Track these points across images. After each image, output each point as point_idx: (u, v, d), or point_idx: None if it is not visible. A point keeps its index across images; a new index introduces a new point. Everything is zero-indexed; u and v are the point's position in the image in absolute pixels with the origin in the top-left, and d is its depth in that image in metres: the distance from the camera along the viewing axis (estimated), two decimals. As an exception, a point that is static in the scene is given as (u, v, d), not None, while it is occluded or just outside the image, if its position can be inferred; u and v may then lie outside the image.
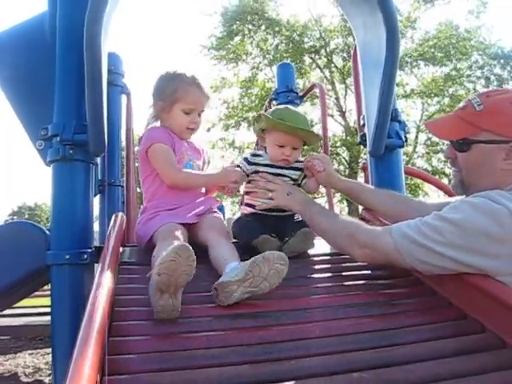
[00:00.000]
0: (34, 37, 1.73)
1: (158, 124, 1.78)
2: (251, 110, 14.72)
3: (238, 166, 1.77)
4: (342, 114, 14.67)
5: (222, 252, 1.43)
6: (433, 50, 12.75)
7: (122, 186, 2.83)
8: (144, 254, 1.51)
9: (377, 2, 1.53)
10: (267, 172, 1.71)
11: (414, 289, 1.43)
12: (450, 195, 4.43)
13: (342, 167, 14.52)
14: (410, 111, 14.76)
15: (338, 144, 14.35)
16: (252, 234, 1.60)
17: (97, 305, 0.99)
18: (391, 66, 1.58)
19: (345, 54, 13.84)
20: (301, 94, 3.31)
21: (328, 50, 14.48)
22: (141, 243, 1.62)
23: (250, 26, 14.63)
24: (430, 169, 13.88)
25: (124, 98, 3.00)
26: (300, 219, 1.70)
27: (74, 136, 1.46)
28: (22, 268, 1.48)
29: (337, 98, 14.67)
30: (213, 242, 1.50)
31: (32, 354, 6.06)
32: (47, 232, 1.55)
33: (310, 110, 14.09)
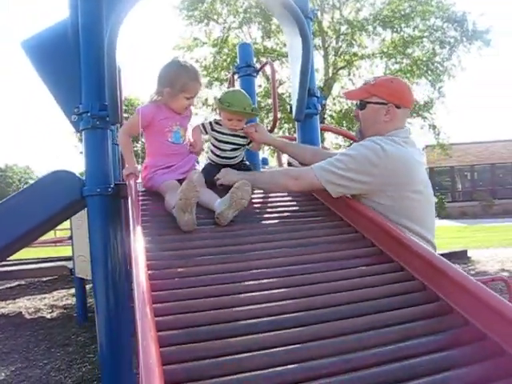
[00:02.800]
0: (61, 39, 2.44)
1: (158, 98, 2.27)
2: (223, 69, 15.21)
3: (203, 124, 2.40)
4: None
5: (207, 197, 2.04)
6: (393, 13, 13.42)
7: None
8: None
9: (293, 17, 2.33)
10: (221, 140, 2.38)
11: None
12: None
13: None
14: (375, 70, 15.55)
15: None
16: (212, 176, 2.27)
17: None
18: (305, 62, 2.40)
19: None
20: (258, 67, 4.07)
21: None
22: (147, 190, 2.29)
23: (221, -13, 14.90)
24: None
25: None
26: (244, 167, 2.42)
27: (98, 112, 2.24)
28: (67, 198, 2.30)
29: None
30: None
31: (29, 299, 6.85)
32: (80, 176, 2.36)
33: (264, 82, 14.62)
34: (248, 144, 2.47)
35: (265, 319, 1.26)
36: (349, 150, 2.01)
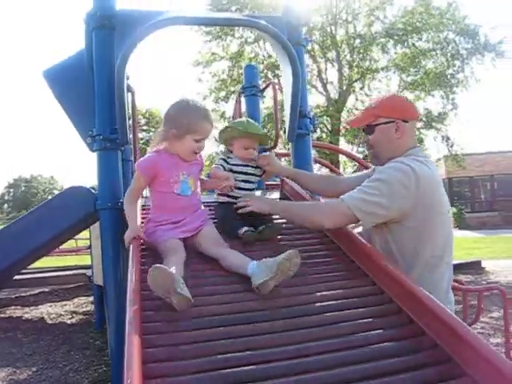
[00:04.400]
0: (78, 69, 2.76)
1: (162, 145, 2.07)
2: (239, 83, 15.60)
3: (221, 165, 2.29)
4: (324, 85, 15.59)
5: (236, 259, 1.83)
6: (405, 26, 13.64)
7: (131, 161, 3.93)
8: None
9: (281, 46, 2.60)
10: (241, 171, 2.30)
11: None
12: (356, 160, 5.92)
13: (324, 135, 15.55)
14: (389, 82, 15.73)
15: (321, 114, 15.33)
16: (235, 226, 2.13)
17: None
18: (295, 88, 2.66)
19: (322, 32, 14.64)
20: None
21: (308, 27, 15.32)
22: (148, 245, 2.06)
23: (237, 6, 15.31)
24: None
25: (129, 95, 4.03)
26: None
27: (109, 135, 2.53)
28: (83, 210, 2.59)
29: (319, 71, 15.56)
30: (221, 255, 1.89)
31: (51, 305, 7.18)
32: (93, 191, 2.65)
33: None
34: (261, 175, 2.44)
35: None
36: (378, 174, 1.92)
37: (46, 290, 8.00)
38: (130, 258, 1.70)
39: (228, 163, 2.30)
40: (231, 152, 2.35)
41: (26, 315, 6.58)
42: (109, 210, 2.53)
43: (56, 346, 5.06)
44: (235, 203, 2.19)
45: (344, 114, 15.52)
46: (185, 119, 1.97)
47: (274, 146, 3.65)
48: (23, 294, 7.52)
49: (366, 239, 2.03)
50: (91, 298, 6.96)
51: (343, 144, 16.29)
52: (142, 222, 2.14)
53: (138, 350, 1.17)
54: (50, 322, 6.27)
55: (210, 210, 2.29)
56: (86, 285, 7.75)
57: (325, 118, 15.25)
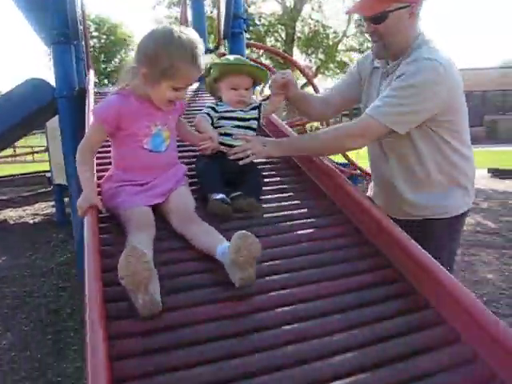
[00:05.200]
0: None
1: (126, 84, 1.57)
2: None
3: (208, 113, 1.81)
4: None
5: (204, 239, 1.41)
6: None
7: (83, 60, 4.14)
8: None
9: None
10: (230, 116, 1.81)
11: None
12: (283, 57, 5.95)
13: (278, 44, 15.57)
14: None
15: (276, 22, 15.24)
16: (210, 187, 1.67)
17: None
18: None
19: None
20: None
21: None
22: (107, 211, 1.55)
23: None
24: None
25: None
26: (255, 168, 1.82)
27: (63, 30, 2.77)
28: (42, 100, 2.88)
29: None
30: (189, 233, 1.46)
31: (12, 210, 7.39)
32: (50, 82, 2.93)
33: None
34: (259, 118, 1.93)
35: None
36: (406, 78, 1.67)
37: (4, 197, 8.23)
38: (85, 238, 1.30)
39: (216, 111, 1.83)
40: (221, 100, 1.88)
41: (-12, 219, 6.88)
42: (66, 98, 2.79)
43: (21, 242, 5.45)
44: (225, 154, 1.77)
45: (299, 24, 15.47)
46: (163, 59, 1.43)
47: (217, 47, 3.94)
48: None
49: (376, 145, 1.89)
50: (51, 203, 7.30)
51: (297, 53, 16.39)
52: (99, 183, 1.65)
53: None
54: (12, 222, 6.61)
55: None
56: (45, 192, 8.02)
57: (279, 26, 15.18)
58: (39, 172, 8.46)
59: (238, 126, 1.83)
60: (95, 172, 1.64)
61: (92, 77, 3.00)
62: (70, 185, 3.07)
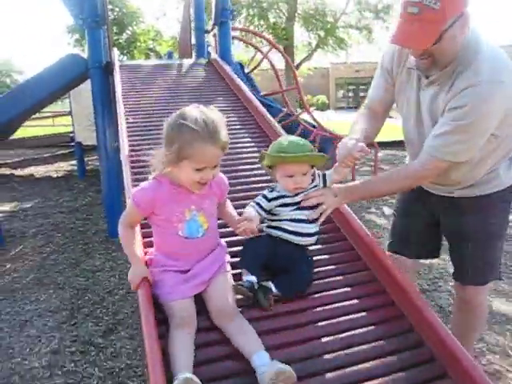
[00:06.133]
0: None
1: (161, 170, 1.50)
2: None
3: (257, 203, 1.69)
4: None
5: (242, 341, 1.40)
6: None
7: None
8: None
9: None
10: (289, 202, 1.69)
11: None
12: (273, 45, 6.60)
13: (280, 20, 16.27)
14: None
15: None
16: (245, 263, 1.63)
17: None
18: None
19: None
20: None
21: None
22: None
23: None
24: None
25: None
26: (306, 259, 1.69)
27: (95, 18, 3.75)
28: (76, 71, 3.90)
29: None
30: (226, 330, 1.45)
31: (36, 167, 8.40)
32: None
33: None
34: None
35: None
36: (467, 115, 1.49)
37: (27, 157, 9.22)
38: (142, 318, 1.36)
39: (268, 198, 1.71)
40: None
41: (16, 173, 7.93)
42: (97, 69, 3.80)
43: (48, 190, 6.51)
44: (280, 239, 1.68)
45: (300, 1, 16.12)
46: (176, 140, 1.41)
47: (212, 29, 4.89)
48: (8, 161, 8.74)
49: None
50: (71, 163, 8.33)
51: (298, 29, 17.05)
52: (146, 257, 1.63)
53: None
54: (38, 176, 7.67)
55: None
56: (65, 154, 9.04)
57: (281, 4, 15.87)
58: (61, 133, 9.49)
59: (300, 208, 1.70)
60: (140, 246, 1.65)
61: (116, 52, 4.00)
62: (99, 144, 4.11)
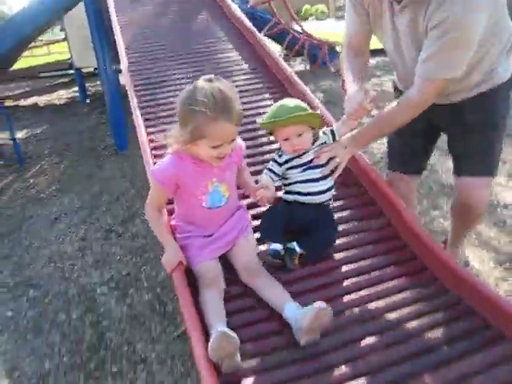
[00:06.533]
0: None
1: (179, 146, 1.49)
2: None
3: (270, 169, 1.72)
4: None
5: (271, 295, 1.45)
6: None
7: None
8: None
9: None
10: (296, 165, 1.70)
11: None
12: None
13: None
14: None
15: None
16: (267, 233, 1.64)
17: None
18: None
19: None
20: None
21: None
22: None
23: None
24: None
25: None
26: (330, 217, 1.70)
27: None
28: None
29: None
30: (254, 285, 1.50)
31: (37, 97, 8.64)
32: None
33: None
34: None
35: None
36: (448, 30, 1.47)
37: (27, 89, 9.43)
38: (180, 301, 1.40)
39: (278, 163, 1.74)
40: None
41: (21, 104, 8.21)
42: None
43: (54, 116, 6.82)
44: (299, 203, 1.70)
45: None
46: (189, 120, 1.42)
47: None
48: (10, 93, 8.97)
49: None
50: (73, 89, 8.57)
51: None
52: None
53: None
54: (42, 105, 7.97)
55: None
56: (65, 82, 9.24)
57: None
58: (59, 61, 9.64)
59: (312, 167, 1.70)
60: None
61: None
62: (100, 69, 4.39)
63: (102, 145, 4.96)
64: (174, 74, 2.77)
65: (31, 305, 2.46)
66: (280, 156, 1.73)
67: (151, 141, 2.17)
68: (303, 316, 1.29)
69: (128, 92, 2.53)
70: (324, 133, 1.77)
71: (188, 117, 1.41)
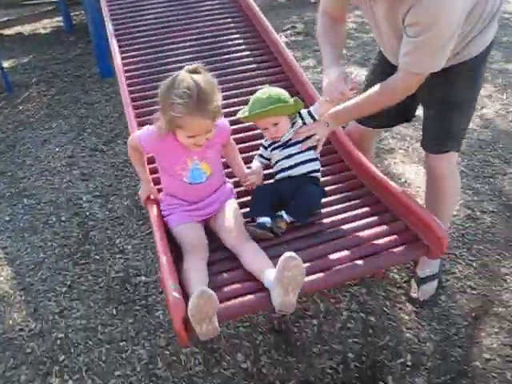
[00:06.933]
0: None
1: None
2: None
3: (260, 154, 1.89)
4: None
5: (252, 261, 1.48)
6: None
7: None
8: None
9: None
10: (277, 146, 1.85)
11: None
12: None
13: None
14: None
15: None
16: (255, 210, 1.71)
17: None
18: None
19: None
20: None
21: None
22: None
23: None
24: None
25: None
26: (309, 180, 1.79)
27: None
28: None
29: None
30: (236, 251, 1.54)
31: (22, 26, 8.55)
32: None
33: None
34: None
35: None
36: (424, 31, 1.47)
37: (11, 18, 9.30)
38: (154, 237, 1.55)
39: (265, 146, 1.91)
40: None
41: (5, 33, 8.19)
42: None
43: (39, 45, 6.89)
44: (281, 179, 1.84)
45: None
46: (167, 110, 1.48)
47: None
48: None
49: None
50: (57, 19, 8.49)
51: None
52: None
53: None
54: (26, 34, 7.97)
55: None
56: (49, 10, 9.10)
57: None
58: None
59: (287, 146, 1.84)
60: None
61: None
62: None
63: (88, 73, 5.14)
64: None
65: (26, 211, 2.83)
66: (265, 140, 1.91)
67: (125, 65, 2.45)
68: (277, 267, 1.34)
69: (104, 18, 2.76)
70: (301, 116, 1.86)
71: (166, 106, 1.48)
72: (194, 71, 1.49)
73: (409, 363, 1.82)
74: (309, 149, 1.85)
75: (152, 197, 1.73)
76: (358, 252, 1.58)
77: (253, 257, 1.50)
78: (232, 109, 2.11)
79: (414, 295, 2.07)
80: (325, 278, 1.48)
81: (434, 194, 2.01)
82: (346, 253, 1.58)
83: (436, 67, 1.57)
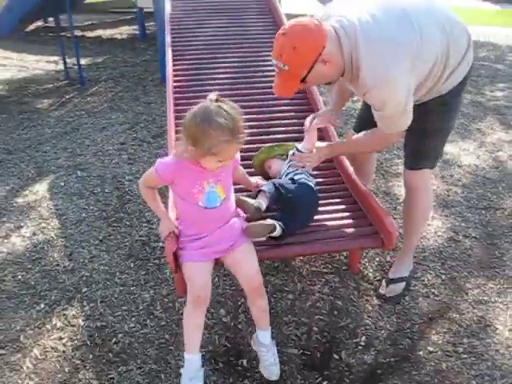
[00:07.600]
0: None
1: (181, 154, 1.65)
2: None
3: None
4: None
5: (254, 316, 1.83)
6: None
7: None
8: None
9: None
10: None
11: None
12: None
13: None
14: None
15: None
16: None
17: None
18: None
19: None
20: None
21: None
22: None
23: None
24: None
25: None
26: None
27: None
28: None
29: None
30: (248, 295, 1.80)
31: (103, 31, 9.43)
32: None
33: None
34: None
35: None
36: (382, 113, 1.82)
37: (96, 22, 10.27)
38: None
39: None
40: None
41: (87, 35, 9.09)
42: None
43: (114, 48, 7.66)
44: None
45: None
46: (204, 142, 1.55)
47: None
48: (79, 24, 9.81)
49: None
50: (133, 27, 9.34)
51: None
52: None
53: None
54: (105, 37, 8.82)
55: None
56: (127, 19, 10.01)
57: None
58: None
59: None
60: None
61: None
62: (155, 9, 5.11)
63: (151, 77, 5.78)
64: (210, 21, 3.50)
65: (78, 180, 3.39)
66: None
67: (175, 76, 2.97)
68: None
69: (165, 35, 3.32)
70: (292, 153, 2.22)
71: (201, 137, 1.55)
72: (218, 100, 1.61)
73: (362, 343, 2.13)
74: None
75: (175, 231, 1.81)
76: (322, 235, 1.98)
77: (257, 313, 1.82)
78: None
79: (382, 291, 2.40)
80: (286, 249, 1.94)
81: (408, 206, 2.31)
82: (311, 235, 2.00)
83: (404, 126, 1.88)
